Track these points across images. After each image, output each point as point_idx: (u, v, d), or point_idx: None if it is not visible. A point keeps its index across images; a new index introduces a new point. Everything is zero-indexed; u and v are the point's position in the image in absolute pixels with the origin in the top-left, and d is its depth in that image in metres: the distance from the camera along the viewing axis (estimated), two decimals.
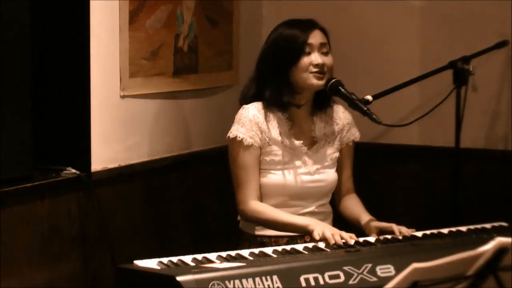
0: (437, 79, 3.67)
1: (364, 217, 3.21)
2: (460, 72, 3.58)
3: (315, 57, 3.14)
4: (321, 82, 3.16)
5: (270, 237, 3.20)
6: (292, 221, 3.11)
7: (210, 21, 3.91)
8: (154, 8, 3.55)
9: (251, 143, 3.15)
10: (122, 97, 3.44)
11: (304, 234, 3.10)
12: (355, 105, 3.14)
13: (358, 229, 3.16)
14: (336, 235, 2.92)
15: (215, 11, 3.94)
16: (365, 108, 3.13)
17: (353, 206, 3.32)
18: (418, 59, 4.04)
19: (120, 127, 3.44)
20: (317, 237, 2.94)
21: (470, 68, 3.59)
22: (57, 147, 3.29)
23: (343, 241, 2.90)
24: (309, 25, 3.19)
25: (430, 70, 3.67)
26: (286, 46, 3.15)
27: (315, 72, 3.14)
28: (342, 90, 3.15)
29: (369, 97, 3.30)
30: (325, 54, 3.17)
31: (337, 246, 2.88)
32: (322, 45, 3.16)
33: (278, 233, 3.18)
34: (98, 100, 3.30)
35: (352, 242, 2.91)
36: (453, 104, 3.59)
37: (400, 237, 3.01)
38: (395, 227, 3.05)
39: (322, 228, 2.98)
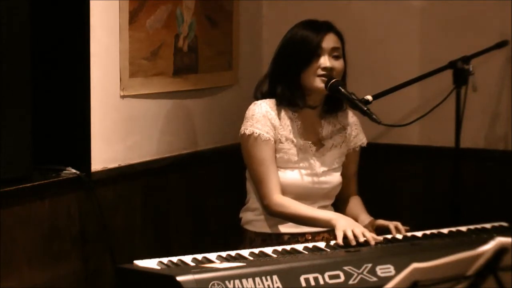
0: (437, 79, 3.67)
1: (363, 217, 3.21)
2: (460, 72, 3.58)
3: (324, 60, 3.13)
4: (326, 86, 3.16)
5: (270, 234, 3.20)
6: (316, 216, 3.09)
7: (210, 21, 3.91)
8: (154, 8, 3.55)
9: (268, 138, 3.14)
10: (122, 97, 3.44)
11: (327, 228, 3.09)
12: (355, 105, 3.15)
13: None
14: (360, 236, 2.89)
15: (215, 11, 3.94)
16: (365, 108, 3.13)
17: (353, 206, 3.32)
18: (418, 59, 4.04)
19: (120, 127, 3.44)
20: (339, 235, 2.91)
21: (470, 68, 3.59)
22: (57, 147, 3.29)
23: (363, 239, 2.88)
24: (324, 28, 3.17)
25: (430, 70, 3.67)
26: (298, 49, 3.14)
27: (321, 75, 3.14)
28: (342, 90, 3.14)
29: (369, 97, 3.30)
30: (336, 58, 3.16)
31: (337, 246, 2.88)
32: (334, 49, 3.15)
33: (279, 231, 3.19)
34: (98, 100, 3.30)
35: (373, 243, 2.88)
36: (453, 104, 3.59)
37: (400, 237, 3.01)
38: (391, 225, 3.05)
39: (345, 225, 2.95)
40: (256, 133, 3.14)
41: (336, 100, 3.24)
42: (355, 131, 3.34)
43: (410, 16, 4.06)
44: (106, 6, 3.32)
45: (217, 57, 3.98)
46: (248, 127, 3.16)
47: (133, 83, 3.47)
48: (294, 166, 3.19)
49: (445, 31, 4.00)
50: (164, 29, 3.62)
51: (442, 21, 4.01)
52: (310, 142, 3.22)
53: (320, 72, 3.13)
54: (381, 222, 3.11)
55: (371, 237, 2.89)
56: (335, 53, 3.15)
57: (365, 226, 3.09)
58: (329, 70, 3.13)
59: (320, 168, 3.22)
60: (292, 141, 3.19)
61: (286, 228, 3.19)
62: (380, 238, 2.95)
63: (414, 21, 4.06)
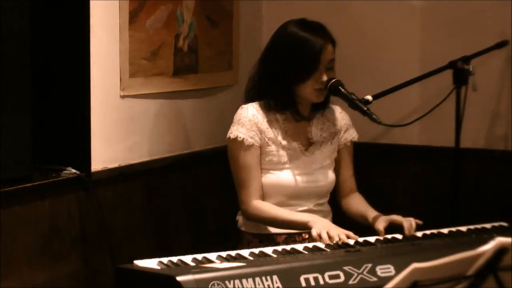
0: (437, 79, 3.67)
1: (370, 212, 3.20)
2: (460, 72, 3.58)
3: (320, 75, 3.14)
4: (321, 99, 3.19)
5: (268, 235, 3.20)
6: (292, 218, 3.11)
7: (210, 21, 3.91)
8: (154, 8, 3.55)
9: (251, 143, 3.16)
10: (122, 97, 3.44)
11: (304, 230, 3.10)
12: (355, 105, 3.15)
13: (364, 226, 3.15)
14: (334, 237, 2.91)
15: (215, 11, 3.94)
16: (365, 108, 3.13)
17: (358, 203, 3.31)
18: (418, 59, 4.04)
19: (120, 127, 3.44)
20: (315, 235, 2.94)
21: (470, 68, 3.59)
22: (57, 147, 3.29)
23: (341, 241, 2.90)
24: (322, 38, 3.14)
25: (430, 70, 3.67)
26: (296, 63, 3.11)
27: (318, 88, 3.15)
28: (342, 90, 3.15)
29: (369, 97, 3.30)
30: (330, 69, 3.17)
31: (337, 246, 2.88)
32: (330, 61, 3.16)
33: (276, 231, 3.19)
34: (98, 100, 3.30)
35: (351, 242, 2.90)
36: (453, 104, 3.59)
37: (400, 237, 3.01)
38: (405, 223, 3.04)
39: (320, 227, 2.97)
40: (240, 137, 3.16)
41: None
42: (345, 126, 3.34)
43: (410, 16, 4.06)
44: (106, 6, 3.32)
45: (217, 57, 3.98)
46: (233, 131, 3.18)
47: (133, 83, 3.47)
48: (284, 167, 3.20)
49: (445, 31, 4.00)
50: (164, 29, 3.62)
51: (442, 21, 4.01)
52: (298, 143, 3.23)
53: (316, 86, 3.15)
54: (395, 218, 3.10)
55: (346, 237, 2.91)
56: (330, 65, 3.17)
57: (378, 223, 3.09)
58: (324, 84, 3.15)
59: (310, 167, 3.22)
60: (280, 143, 3.19)
61: (283, 229, 3.20)
62: (357, 237, 2.95)
63: (414, 21, 4.06)
